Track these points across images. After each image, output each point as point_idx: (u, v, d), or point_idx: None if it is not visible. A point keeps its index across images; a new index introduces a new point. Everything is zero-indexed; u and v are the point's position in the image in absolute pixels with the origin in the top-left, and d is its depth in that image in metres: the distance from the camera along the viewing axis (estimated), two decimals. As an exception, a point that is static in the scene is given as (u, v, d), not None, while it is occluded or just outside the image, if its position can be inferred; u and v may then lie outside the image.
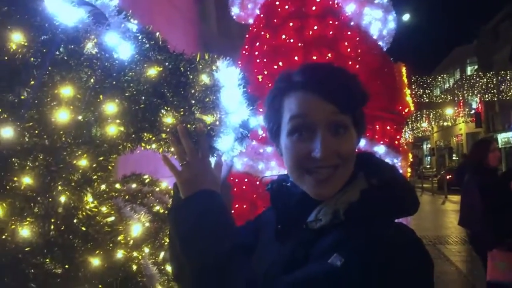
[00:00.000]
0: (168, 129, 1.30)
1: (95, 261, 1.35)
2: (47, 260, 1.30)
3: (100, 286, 1.39)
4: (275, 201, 1.19)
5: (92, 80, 1.24)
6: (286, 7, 3.60)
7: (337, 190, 1.05)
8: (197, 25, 5.84)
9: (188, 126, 1.28)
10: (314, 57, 3.36)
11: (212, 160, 1.31)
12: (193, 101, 1.29)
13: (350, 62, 3.41)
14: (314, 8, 3.52)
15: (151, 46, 1.33)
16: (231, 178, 4.00)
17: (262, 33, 3.67)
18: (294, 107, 1.06)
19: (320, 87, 1.04)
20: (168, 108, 1.29)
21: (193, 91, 1.30)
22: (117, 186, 2.30)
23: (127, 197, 2.09)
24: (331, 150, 1.02)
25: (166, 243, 1.95)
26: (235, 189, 3.88)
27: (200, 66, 1.32)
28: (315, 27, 3.42)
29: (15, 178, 1.23)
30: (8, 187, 1.23)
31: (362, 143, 3.86)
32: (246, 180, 3.68)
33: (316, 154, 1.02)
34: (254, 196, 3.70)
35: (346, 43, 3.47)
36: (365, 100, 1.11)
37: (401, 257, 0.93)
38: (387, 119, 3.90)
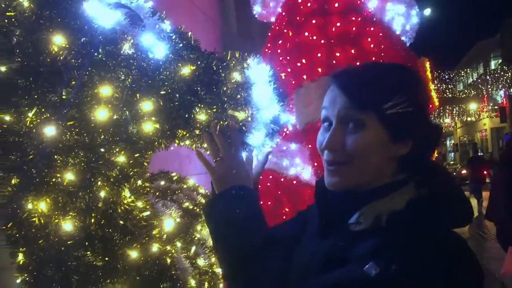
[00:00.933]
0: (201, 126, 1.34)
1: (133, 254, 1.41)
2: (88, 252, 1.36)
3: (137, 278, 1.45)
4: (319, 197, 1.18)
5: (129, 80, 1.29)
6: (309, 4, 3.62)
7: (351, 185, 1.06)
8: (218, 24, 5.90)
9: (221, 122, 1.32)
10: (337, 54, 3.37)
11: (244, 155, 1.35)
12: (225, 98, 1.33)
13: (373, 58, 3.41)
14: (336, 5, 3.53)
15: (184, 46, 1.37)
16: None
17: (285, 31, 3.69)
18: (325, 99, 1.10)
19: (341, 81, 1.06)
20: (201, 105, 1.33)
21: (225, 88, 1.34)
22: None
23: (157, 193, 2.15)
24: (337, 144, 1.03)
25: (196, 238, 2.01)
26: (259, 186, 3.92)
27: (232, 64, 1.36)
28: (338, 24, 3.43)
29: (58, 174, 1.29)
30: (51, 183, 1.30)
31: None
32: (270, 177, 3.70)
33: (323, 145, 1.06)
34: (279, 193, 3.73)
35: (369, 39, 3.47)
36: (409, 102, 1.02)
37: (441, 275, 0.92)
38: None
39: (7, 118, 1.28)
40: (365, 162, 1.03)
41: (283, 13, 3.96)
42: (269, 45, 4.15)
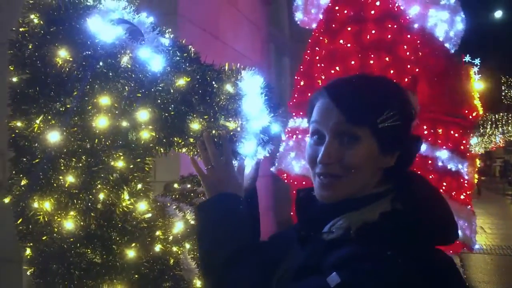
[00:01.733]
0: (195, 135, 1.42)
1: (131, 253, 1.50)
2: (88, 250, 1.47)
3: (136, 276, 1.54)
4: (299, 208, 1.22)
5: (126, 90, 1.38)
6: (345, 11, 3.62)
7: (342, 197, 1.07)
8: (263, 29, 5.98)
9: (213, 132, 1.39)
10: (371, 62, 3.35)
11: (236, 164, 1.41)
12: (217, 109, 1.40)
13: (408, 66, 3.37)
14: (373, 12, 3.51)
15: (182, 58, 1.45)
16: (291, 181, 4.07)
17: (321, 38, 3.72)
18: (315, 112, 1.11)
19: (335, 95, 1.07)
20: (195, 115, 1.40)
21: (218, 99, 1.40)
22: (175, 185, 2.47)
23: (177, 196, 2.24)
24: (334, 157, 1.04)
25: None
26: (294, 192, 3.95)
27: (225, 76, 1.42)
28: (373, 31, 3.41)
29: (61, 177, 1.40)
30: (55, 184, 1.41)
31: (423, 148, 3.78)
32: (303, 182, 3.73)
33: (318, 159, 1.06)
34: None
35: (405, 46, 3.43)
36: (398, 116, 1.04)
37: None
38: (450, 123, 3.79)
39: (19, 124, 1.41)
40: (358, 175, 1.06)
41: (322, 20, 3.99)
42: (308, 51, 4.19)
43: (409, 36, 3.47)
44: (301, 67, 4.24)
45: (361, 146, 1.04)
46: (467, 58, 4.95)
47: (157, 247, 1.63)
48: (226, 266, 1.15)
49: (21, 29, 1.40)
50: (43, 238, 1.43)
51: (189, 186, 2.46)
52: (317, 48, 3.78)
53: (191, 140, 1.44)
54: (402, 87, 1.18)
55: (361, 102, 1.05)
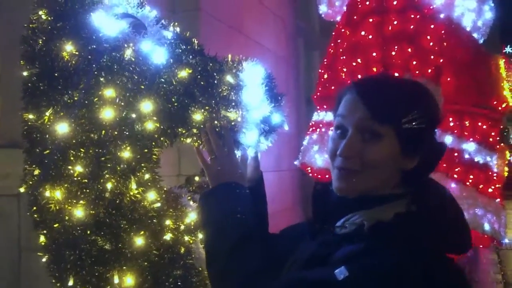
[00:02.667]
0: (197, 125, 1.45)
1: (139, 241, 1.54)
2: (98, 238, 1.52)
3: (145, 263, 1.59)
4: (315, 201, 1.22)
5: (131, 82, 1.43)
6: (367, 3, 3.58)
7: (358, 192, 1.08)
8: (290, 23, 5.96)
9: (215, 122, 1.42)
10: (393, 53, 3.31)
11: (239, 154, 1.43)
12: (219, 99, 1.43)
13: (432, 56, 3.30)
14: (395, 2, 3.46)
15: (184, 51, 1.48)
16: (314, 174, 4.07)
17: (343, 30, 3.69)
18: (341, 106, 1.12)
19: (362, 91, 1.08)
20: (197, 106, 1.44)
21: (219, 90, 1.43)
22: (196, 178, 2.51)
23: (193, 188, 2.28)
24: (354, 152, 1.05)
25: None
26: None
27: (226, 67, 1.45)
28: (395, 22, 3.36)
29: (70, 167, 1.46)
30: (65, 174, 1.47)
31: (449, 140, 3.70)
32: (327, 176, 3.72)
33: (338, 152, 1.07)
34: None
35: (428, 37, 3.36)
36: (424, 118, 1.05)
37: None
38: (478, 114, 3.70)
39: (31, 116, 1.48)
40: (376, 172, 1.07)
41: (345, 13, 3.96)
42: (332, 44, 4.17)
43: (432, 26, 3.40)
44: (325, 60, 4.23)
45: (383, 145, 1.04)
46: (508, 49, 4.81)
47: (167, 236, 1.67)
48: (230, 255, 1.17)
49: (31, 25, 1.46)
50: (55, 225, 1.49)
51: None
52: (339, 41, 3.75)
53: (195, 130, 1.47)
54: (430, 91, 1.15)
55: (387, 100, 1.06)
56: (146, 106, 1.45)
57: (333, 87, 4.01)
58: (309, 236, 1.19)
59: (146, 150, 1.54)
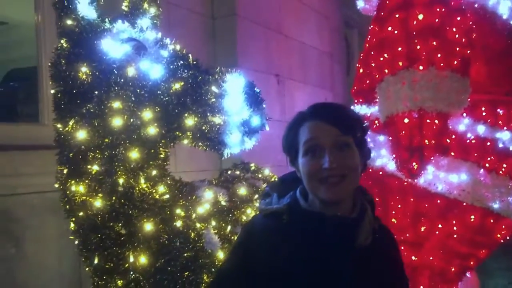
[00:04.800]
0: (191, 129, 1.72)
1: (148, 226, 1.84)
2: (115, 224, 1.83)
3: (156, 246, 1.88)
4: (304, 224, 1.32)
5: (134, 95, 1.72)
6: (395, -2, 3.66)
7: (346, 196, 1.30)
8: (331, 17, 6.04)
9: (204, 127, 1.69)
10: (418, 47, 3.38)
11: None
12: (207, 107, 1.69)
13: (458, 48, 3.34)
14: (421, -3, 3.51)
15: (179, 66, 1.75)
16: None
17: (371, 26, 3.80)
18: (308, 133, 1.31)
19: (326, 116, 1.31)
20: (189, 113, 1.71)
21: (207, 98, 1.69)
22: (230, 172, 2.77)
23: (215, 181, 2.54)
24: (338, 162, 1.25)
25: (235, 219, 2.35)
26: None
27: (212, 79, 1.71)
28: (420, 17, 3.43)
29: (89, 166, 1.79)
30: (85, 172, 1.80)
31: (482, 129, 3.70)
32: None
33: (325, 165, 1.25)
34: (370, 183, 3.86)
35: (454, 29, 3.39)
36: (363, 126, 1.37)
37: None
38: (513, 103, 3.67)
39: (59, 125, 1.82)
40: (356, 174, 1.31)
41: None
42: (368, 38, 4.27)
43: (459, 18, 3.43)
44: (361, 55, 4.34)
45: (353, 150, 1.30)
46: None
47: (178, 223, 1.96)
48: None
49: (56, 52, 1.80)
50: (80, 214, 1.82)
51: (237, 172, 2.74)
52: (369, 37, 3.87)
53: (188, 133, 1.74)
54: None
55: (347, 118, 1.34)
56: (147, 114, 1.74)
57: (368, 81, 4.12)
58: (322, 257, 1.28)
59: (153, 151, 1.84)
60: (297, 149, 1.33)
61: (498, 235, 3.48)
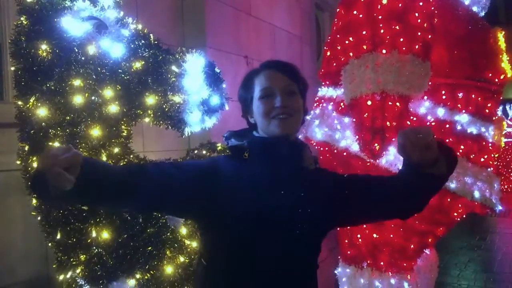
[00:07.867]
0: (152, 107, 1.76)
1: (110, 203, 1.87)
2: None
3: (118, 221, 1.92)
4: (263, 152, 1.52)
5: (94, 73, 1.75)
6: (361, -18, 3.72)
7: (292, 132, 1.52)
8: (300, 1, 6.06)
9: (164, 106, 1.72)
10: (382, 31, 3.46)
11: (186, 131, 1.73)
12: (167, 86, 1.72)
13: (419, 33, 3.44)
14: (386, -19, 3.58)
15: (140, 46, 1.78)
16: (316, 147, 4.31)
17: (338, 9, 3.87)
18: (264, 80, 1.52)
19: (278, 66, 1.55)
20: (150, 92, 1.74)
21: (167, 78, 1.73)
22: (196, 152, 2.83)
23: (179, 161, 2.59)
24: (287, 103, 1.49)
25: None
26: (321, 157, 4.18)
27: (173, 58, 1.74)
28: (385, 1, 3.50)
29: (50, 143, 1.81)
30: (47, 148, 1.81)
31: (441, 112, 3.84)
32: (326, 148, 3.95)
33: (277, 104, 1.48)
34: (335, 163, 3.96)
35: (416, 14, 3.48)
36: (304, 79, 1.60)
37: None
38: (472, 87, 3.80)
39: (20, 102, 1.83)
40: (299, 115, 1.54)
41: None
42: (335, 22, 4.34)
43: (421, 3, 3.52)
44: (329, 37, 4.40)
45: (298, 97, 1.54)
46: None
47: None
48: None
49: (16, 29, 1.80)
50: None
51: (204, 152, 2.79)
52: (335, 20, 3.94)
53: (149, 112, 1.78)
54: None
55: (294, 69, 1.58)
56: (108, 92, 1.76)
57: (334, 64, 4.20)
58: (292, 174, 1.50)
59: (114, 128, 1.87)
60: (253, 95, 1.53)
61: (455, 214, 3.64)
